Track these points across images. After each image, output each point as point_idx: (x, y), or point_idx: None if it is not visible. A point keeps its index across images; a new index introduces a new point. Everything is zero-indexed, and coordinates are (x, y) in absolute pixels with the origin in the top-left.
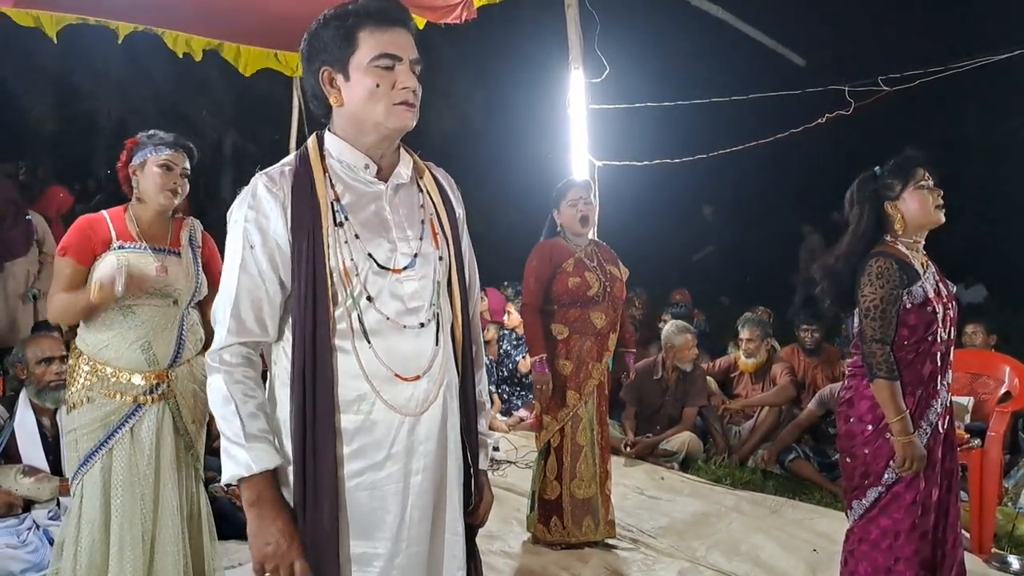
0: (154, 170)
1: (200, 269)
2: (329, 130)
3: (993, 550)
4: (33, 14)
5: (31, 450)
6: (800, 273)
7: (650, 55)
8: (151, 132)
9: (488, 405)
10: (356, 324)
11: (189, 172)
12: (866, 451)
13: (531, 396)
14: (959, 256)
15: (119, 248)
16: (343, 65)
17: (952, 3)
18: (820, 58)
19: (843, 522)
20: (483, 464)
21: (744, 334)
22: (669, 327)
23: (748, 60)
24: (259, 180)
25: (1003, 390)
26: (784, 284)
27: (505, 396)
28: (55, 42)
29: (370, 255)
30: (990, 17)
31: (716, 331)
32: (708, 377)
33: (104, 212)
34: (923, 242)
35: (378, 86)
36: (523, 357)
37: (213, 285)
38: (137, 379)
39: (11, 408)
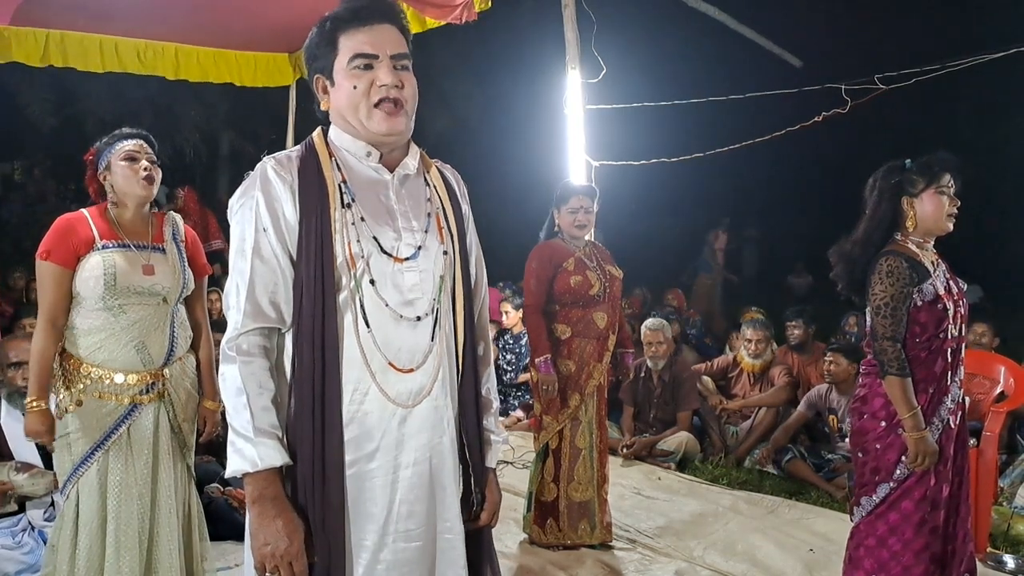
0: (120, 165)
1: (186, 264)
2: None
3: (988, 549)
4: (24, 34)
5: (22, 446)
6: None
7: (647, 55)
8: (107, 136)
9: (496, 404)
10: (358, 309)
11: (156, 158)
12: (878, 447)
13: (528, 397)
14: (955, 256)
15: (103, 248)
16: (329, 71)
17: (948, 2)
18: (816, 57)
19: (840, 522)
20: (490, 463)
21: (750, 334)
22: (643, 325)
23: (744, 60)
24: (267, 163)
25: (998, 390)
26: (779, 284)
27: (502, 396)
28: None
29: (375, 238)
30: (986, 16)
31: (712, 331)
32: (706, 377)
33: (84, 211)
34: (932, 242)
35: (355, 87)
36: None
37: (198, 278)
38: (132, 379)
39: None
